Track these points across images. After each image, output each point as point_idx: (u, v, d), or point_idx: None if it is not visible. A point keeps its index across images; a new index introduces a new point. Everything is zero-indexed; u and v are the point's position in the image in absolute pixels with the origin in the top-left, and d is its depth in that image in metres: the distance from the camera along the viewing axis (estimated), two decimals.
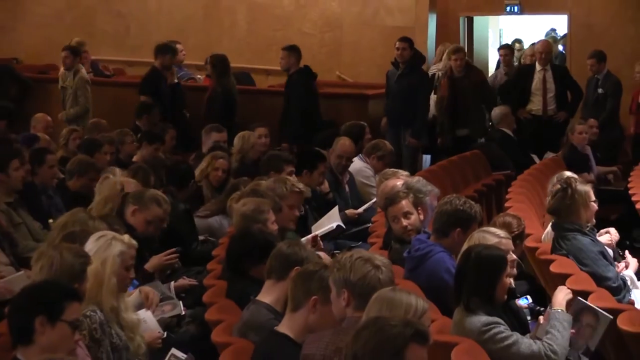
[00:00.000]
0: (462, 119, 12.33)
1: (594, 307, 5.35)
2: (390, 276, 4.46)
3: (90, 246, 5.21)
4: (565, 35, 15.92)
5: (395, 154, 10.62)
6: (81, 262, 5.12)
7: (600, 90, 12.55)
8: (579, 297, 5.42)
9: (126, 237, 5.30)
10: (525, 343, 4.95)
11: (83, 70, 12.70)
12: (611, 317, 5.32)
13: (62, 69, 12.79)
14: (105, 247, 5.15)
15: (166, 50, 12.23)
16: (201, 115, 11.99)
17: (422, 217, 6.74)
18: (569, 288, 5.53)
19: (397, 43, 12.10)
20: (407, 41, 12.10)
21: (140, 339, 5.12)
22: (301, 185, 7.55)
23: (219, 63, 12.08)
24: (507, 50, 13.82)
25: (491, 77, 13.58)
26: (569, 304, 5.28)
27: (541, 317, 5.30)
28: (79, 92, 12.40)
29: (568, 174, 7.20)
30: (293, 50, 12.12)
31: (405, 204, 6.66)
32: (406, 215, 6.63)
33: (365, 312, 4.12)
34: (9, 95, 12.45)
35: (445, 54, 12.69)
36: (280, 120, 11.96)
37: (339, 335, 4.27)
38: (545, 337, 5.00)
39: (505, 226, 6.20)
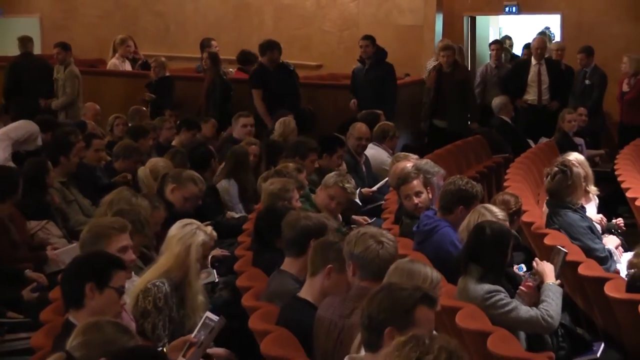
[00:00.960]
0: (442, 112, 12.14)
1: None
2: (391, 252, 4.42)
3: (175, 231, 5.09)
4: (544, 32, 15.76)
5: None
6: None
7: (587, 82, 12.53)
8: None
9: (209, 229, 5.18)
10: (524, 309, 4.93)
11: (73, 65, 12.37)
12: (566, 251, 5.44)
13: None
14: (190, 235, 5.02)
15: (272, 46, 11.54)
16: (200, 103, 11.95)
17: (430, 195, 6.71)
18: None
19: (361, 41, 11.88)
20: (369, 39, 11.89)
21: (198, 319, 5.04)
22: (348, 186, 7.19)
23: (214, 59, 11.95)
24: (497, 45, 13.62)
25: (481, 69, 13.45)
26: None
27: (521, 287, 5.22)
28: (66, 83, 12.13)
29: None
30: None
31: (417, 183, 6.64)
32: (417, 194, 6.61)
33: (385, 280, 4.14)
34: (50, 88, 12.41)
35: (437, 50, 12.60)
36: None
37: (344, 303, 4.32)
38: (541, 305, 4.98)
39: (504, 203, 6.18)
